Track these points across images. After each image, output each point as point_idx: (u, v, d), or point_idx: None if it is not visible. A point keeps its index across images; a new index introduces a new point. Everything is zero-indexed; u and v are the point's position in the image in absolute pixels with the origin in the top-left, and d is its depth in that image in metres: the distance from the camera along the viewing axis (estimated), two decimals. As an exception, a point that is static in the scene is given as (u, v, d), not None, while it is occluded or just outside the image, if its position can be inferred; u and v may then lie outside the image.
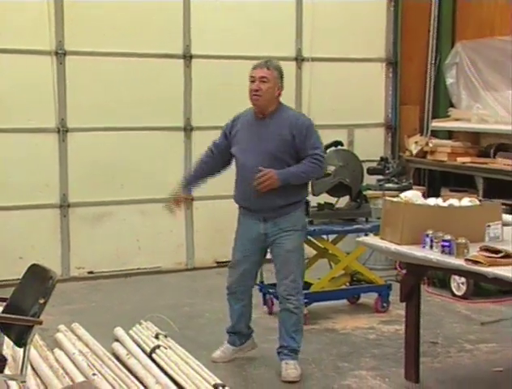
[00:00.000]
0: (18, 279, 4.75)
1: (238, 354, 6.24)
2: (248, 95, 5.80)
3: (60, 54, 8.57)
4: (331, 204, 7.59)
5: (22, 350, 4.39)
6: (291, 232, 5.79)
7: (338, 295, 7.65)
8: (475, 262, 4.97)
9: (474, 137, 9.88)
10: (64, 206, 8.78)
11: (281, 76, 5.84)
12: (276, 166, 5.62)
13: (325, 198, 7.61)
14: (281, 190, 5.64)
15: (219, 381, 5.45)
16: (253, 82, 5.74)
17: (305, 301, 7.25)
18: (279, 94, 5.84)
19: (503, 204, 6.29)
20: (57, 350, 6.17)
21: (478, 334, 6.97)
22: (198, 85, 9.26)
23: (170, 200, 6.50)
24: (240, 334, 6.24)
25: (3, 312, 4.54)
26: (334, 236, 7.60)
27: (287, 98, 9.47)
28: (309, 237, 7.58)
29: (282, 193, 5.66)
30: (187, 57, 9.21)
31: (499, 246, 5.14)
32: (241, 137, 5.90)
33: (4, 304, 4.61)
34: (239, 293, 6.15)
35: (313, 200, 7.62)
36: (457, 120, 10.09)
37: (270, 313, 7.54)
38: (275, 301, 7.49)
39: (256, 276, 6.39)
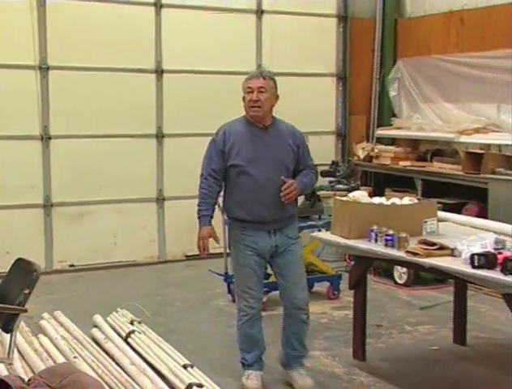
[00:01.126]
0: (5, 272, 4.72)
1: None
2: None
3: (43, 69, 8.54)
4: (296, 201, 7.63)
5: (9, 336, 4.37)
6: (297, 240, 5.28)
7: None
8: (414, 254, 5.03)
9: (413, 143, 9.95)
10: (47, 205, 8.74)
11: (276, 86, 5.18)
12: (288, 176, 5.05)
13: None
14: (282, 205, 5.06)
15: (188, 362, 5.46)
16: (250, 92, 5.07)
17: (266, 289, 7.30)
18: (276, 103, 5.23)
19: (438, 203, 6.38)
20: (41, 336, 6.14)
21: (417, 317, 7.05)
22: (169, 97, 9.25)
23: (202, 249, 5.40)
24: (260, 361, 5.42)
25: (-8, 302, 4.50)
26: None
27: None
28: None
29: (283, 207, 5.08)
30: (159, 71, 9.19)
31: (435, 240, 5.20)
32: (244, 148, 5.09)
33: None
34: (259, 312, 5.34)
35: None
36: (399, 128, 10.17)
37: (234, 300, 7.52)
38: (238, 290, 7.51)
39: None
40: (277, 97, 5.18)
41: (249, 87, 5.10)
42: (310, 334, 5.45)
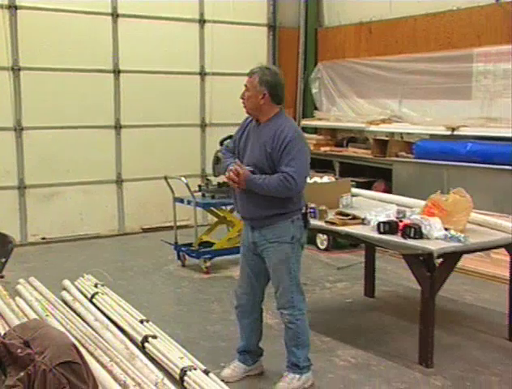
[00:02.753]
0: (-15, 244, 4.66)
1: (249, 373, 4.61)
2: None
3: (15, 70, 8.37)
4: (228, 183, 7.61)
5: (-11, 298, 4.32)
6: (276, 243, 4.23)
7: (233, 251, 7.64)
8: (333, 224, 5.11)
9: (332, 132, 10.04)
10: (21, 187, 8.60)
11: (264, 82, 4.21)
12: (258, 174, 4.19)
13: (223, 178, 7.63)
14: (264, 200, 4.18)
15: (144, 317, 5.45)
16: None
17: (209, 256, 7.32)
18: (267, 100, 4.22)
19: (352, 181, 6.44)
20: (17, 298, 6.05)
21: (335, 276, 7.16)
22: (125, 93, 9.14)
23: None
24: (251, 353, 4.63)
25: (-26, 269, 4.44)
26: (230, 206, 7.63)
27: (194, 102, 9.67)
28: (211, 207, 7.66)
29: (265, 203, 4.18)
30: (116, 71, 9.07)
31: (349, 211, 5.30)
32: (241, 141, 4.39)
33: (-26, 263, 4.50)
34: (248, 306, 4.52)
35: (215, 180, 7.67)
36: (320, 119, 10.25)
37: (183, 265, 7.54)
38: (186, 256, 7.52)
39: (263, 292, 4.54)
40: (264, 95, 4.20)
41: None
42: (304, 343, 4.39)
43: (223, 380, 4.34)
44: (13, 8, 8.27)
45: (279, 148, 4.14)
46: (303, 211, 4.34)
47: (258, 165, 4.21)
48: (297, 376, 4.36)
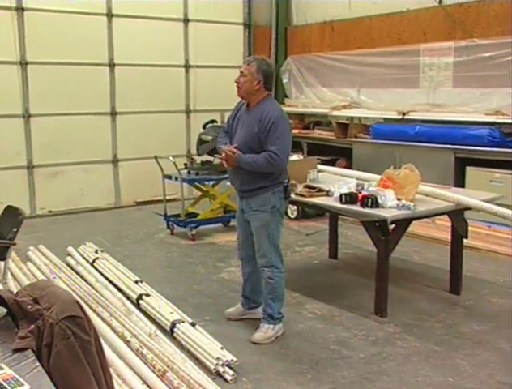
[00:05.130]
0: (-2, 216, 4.59)
1: (247, 316, 4.72)
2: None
3: (23, 64, 8.22)
4: (210, 162, 7.59)
5: (3, 263, 4.27)
6: (258, 212, 4.27)
7: (216, 220, 7.68)
8: (301, 196, 5.10)
9: (300, 117, 10.00)
10: (30, 167, 8.48)
11: (261, 70, 4.17)
12: (246, 152, 4.18)
13: (206, 157, 7.61)
14: (249, 175, 4.21)
15: (138, 278, 5.45)
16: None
17: (194, 225, 7.31)
18: (261, 86, 4.20)
19: (318, 159, 6.44)
20: (28, 263, 6.02)
21: (304, 241, 7.17)
22: (119, 84, 9.00)
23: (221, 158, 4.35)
24: (247, 299, 4.72)
25: (-12, 238, 4.38)
26: (212, 182, 7.63)
27: (180, 91, 9.59)
28: (195, 183, 7.64)
29: (250, 178, 4.22)
30: (111, 65, 8.94)
31: (315, 185, 5.30)
32: (234, 123, 4.40)
33: (-11, 233, 4.44)
34: (244, 260, 4.64)
35: (199, 159, 7.63)
36: (289, 106, 10.18)
37: (172, 234, 7.52)
38: (175, 226, 7.50)
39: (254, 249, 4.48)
40: (259, 81, 4.16)
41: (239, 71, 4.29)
42: (279, 298, 4.43)
43: (227, 317, 4.73)
44: (20, 10, 8.12)
45: (265, 129, 4.12)
46: (284, 184, 4.34)
47: (247, 144, 4.20)
48: (271, 326, 4.41)
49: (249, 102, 4.30)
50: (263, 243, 4.33)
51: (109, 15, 8.84)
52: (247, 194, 4.33)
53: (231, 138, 4.40)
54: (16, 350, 1.99)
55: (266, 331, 4.40)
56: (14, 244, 4.14)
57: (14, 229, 4.12)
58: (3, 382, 1.75)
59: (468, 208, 4.97)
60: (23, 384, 1.75)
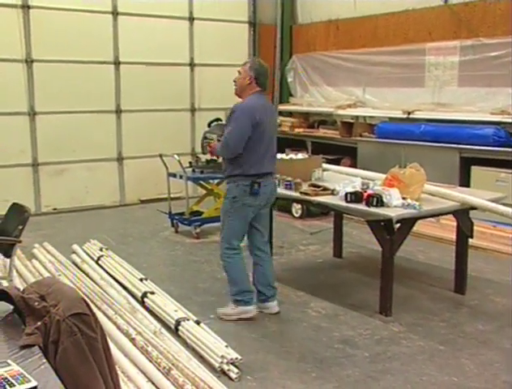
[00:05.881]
0: (3, 214, 4.59)
1: (259, 309, 4.82)
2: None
3: (29, 61, 8.25)
4: (215, 160, 7.56)
5: (9, 260, 4.29)
6: (224, 198, 4.69)
7: (220, 219, 7.64)
8: (306, 194, 5.11)
9: (305, 115, 10.01)
10: (35, 165, 8.51)
11: (253, 69, 4.54)
12: None
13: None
14: (224, 164, 4.63)
15: (143, 276, 5.46)
16: None
17: (199, 223, 7.32)
18: (252, 82, 4.53)
19: (323, 158, 6.44)
20: (33, 260, 6.04)
21: (308, 240, 7.17)
22: (125, 82, 9.03)
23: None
24: (257, 291, 4.87)
25: (-6, 235, 4.40)
26: (217, 180, 7.62)
27: (185, 89, 9.60)
28: (200, 181, 7.64)
29: (225, 166, 4.63)
30: (117, 63, 8.97)
31: (320, 183, 5.30)
32: None
33: (-5, 230, 4.46)
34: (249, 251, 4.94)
35: (203, 157, 7.63)
36: (294, 104, 10.21)
37: (177, 232, 7.53)
38: (179, 224, 7.51)
39: (256, 239, 4.85)
40: (250, 78, 4.52)
41: None
42: (232, 281, 4.71)
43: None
44: (26, 7, 8.14)
45: (227, 118, 4.60)
46: (253, 180, 4.51)
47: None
48: (233, 306, 4.71)
49: (242, 98, 4.61)
50: (223, 228, 4.69)
51: (115, 13, 8.86)
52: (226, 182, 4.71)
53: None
54: (23, 347, 2.00)
55: (226, 309, 4.74)
56: (20, 241, 4.15)
57: (20, 227, 4.13)
58: (11, 378, 1.76)
59: (473, 208, 4.96)
60: (30, 380, 1.76)
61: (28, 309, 2.17)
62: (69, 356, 2.05)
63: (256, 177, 4.52)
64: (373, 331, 4.49)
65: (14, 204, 4.49)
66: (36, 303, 2.18)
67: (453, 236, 5.45)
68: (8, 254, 4.21)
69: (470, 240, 5.28)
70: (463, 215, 5.06)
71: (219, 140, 4.51)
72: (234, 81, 4.64)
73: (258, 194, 4.55)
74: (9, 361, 1.87)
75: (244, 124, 4.43)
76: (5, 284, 4.11)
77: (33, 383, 1.75)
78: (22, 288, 2.41)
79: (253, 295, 4.76)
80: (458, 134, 7.27)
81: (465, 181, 6.96)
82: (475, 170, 7.04)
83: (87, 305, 2.21)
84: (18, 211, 4.33)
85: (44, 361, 1.94)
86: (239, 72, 4.63)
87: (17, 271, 5.45)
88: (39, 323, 2.10)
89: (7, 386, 1.72)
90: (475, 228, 5.20)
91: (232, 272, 4.71)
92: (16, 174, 8.35)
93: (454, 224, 5.30)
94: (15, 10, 8.06)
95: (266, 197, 4.64)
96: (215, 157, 4.69)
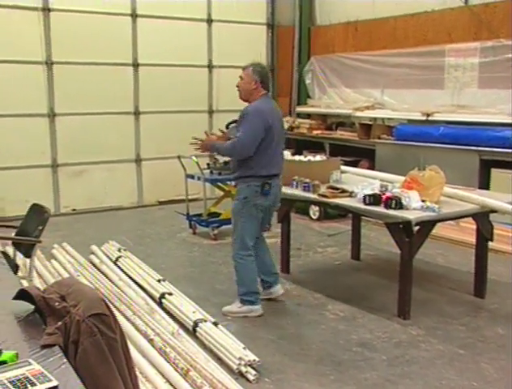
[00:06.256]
0: (24, 214, 4.63)
1: (264, 296, 5.05)
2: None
3: (49, 63, 8.34)
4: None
5: (29, 260, 4.32)
6: (235, 200, 4.79)
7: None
8: (324, 196, 5.09)
9: (323, 117, 9.97)
10: (54, 166, 8.59)
11: (256, 72, 4.64)
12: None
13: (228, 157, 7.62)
14: (235, 165, 4.71)
15: (161, 277, 5.48)
16: None
17: (216, 224, 7.32)
18: (258, 86, 4.63)
19: (341, 160, 6.42)
20: (53, 261, 6.09)
21: (326, 242, 7.16)
22: (143, 84, 9.10)
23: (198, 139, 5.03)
24: (261, 280, 5.06)
25: (16, 235, 4.44)
26: (234, 182, 7.59)
27: (203, 91, 9.63)
28: (218, 183, 7.65)
29: (235, 166, 4.72)
30: (135, 65, 9.03)
31: (338, 186, 5.29)
32: None
33: (16, 230, 4.50)
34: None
35: (221, 159, 7.62)
36: (312, 106, 10.19)
37: (194, 233, 7.55)
38: (197, 225, 7.53)
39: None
40: (255, 82, 4.63)
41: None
42: (242, 283, 4.79)
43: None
44: (46, 10, 8.24)
45: (240, 120, 4.59)
46: (263, 181, 4.61)
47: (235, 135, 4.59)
48: (240, 304, 4.80)
49: (250, 102, 4.68)
50: (234, 228, 4.77)
51: (134, 16, 8.93)
52: (235, 183, 4.81)
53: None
54: (44, 346, 2.02)
55: (232, 307, 4.83)
56: (40, 241, 4.18)
57: (40, 227, 4.16)
58: (32, 378, 1.77)
59: (494, 211, 4.92)
60: (51, 380, 1.77)
61: (49, 310, 2.19)
62: (89, 357, 2.06)
63: (267, 178, 4.64)
64: (391, 335, 4.47)
65: (34, 205, 4.52)
66: (57, 303, 2.20)
67: (472, 239, 5.40)
68: (28, 255, 4.24)
69: (490, 243, 5.23)
70: (483, 218, 5.02)
71: (224, 134, 4.50)
72: (237, 86, 4.72)
73: (268, 194, 4.67)
74: (30, 361, 1.88)
75: (257, 126, 4.53)
76: (25, 284, 4.15)
77: (54, 383, 1.77)
78: (42, 289, 2.43)
79: (259, 295, 4.89)
80: (478, 137, 7.21)
81: (484, 184, 6.90)
82: (495, 173, 6.97)
83: (107, 305, 2.22)
84: (38, 212, 4.36)
85: (65, 360, 1.95)
86: (241, 77, 4.71)
87: (36, 271, 5.50)
88: (59, 323, 2.12)
89: (29, 386, 1.74)
90: (495, 231, 5.15)
91: (243, 274, 4.79)
92: (36, 175, 8.43)
93: (474, 226, 5.25)
94: (36, 14, 8.16)
95: (274, 197, 4.77)
96: (225, 156, 4.63)
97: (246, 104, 4.73)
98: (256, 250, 4.89)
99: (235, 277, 4.85)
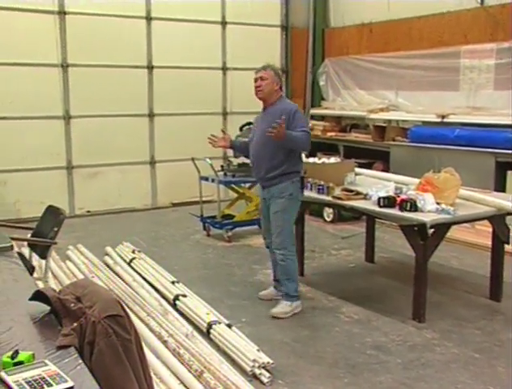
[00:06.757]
0: (39, 216, 4.67)
1: (278, 297, 5.07)
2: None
3: (64, 66, 8.41)
4: (247, 164, 7.57)
5: (44, 261, 4.35)
6: (277, 198, 4.74)
7: (251, 223, 7.62)
8: (339, 198, 5.09)
9: (337, 119, 9.95)
10: (69, 167, 8.65)
11: (277, 74, 4.84)
12: (264, 144, 4.71)
13: (243, 159, 7.61)
14: (272, 163, 4.70)
15: (175, 279, 5.49)
16: (255, 81, 4.80)
17: (230, 227, 7.34)
18: (279, 88, 4.84)
19: (355, 162, 6.40)
20: (67, 261, 6.13)
21: (340, 244, 7.14)
22: (158, 86, 9.14)
23: (215, 138, 5.10)
24: (278, 282, 5.13)
25: (31, 236, 4.48)
26: (248, 184, 7.63)
27: (217, 93, 9.65)
28: (232, 185, 7.66)
29: (273, 165, 4.70)
30: (150, 67, 9.07)
31: (353, 188, 5.28)
32: (254, 126, 5.06)
33: (31, 231, 4.54)
34: (270, 247, 5.06)
35: (235, 161, 7.65)
36: (326, 108, 10.17)
37: (208, 235, 7.56)
38: (211, 227, 7.54)
39: None
40: (278, 83, 4.81)
41: (255, 79, 4.83)
42: (293, 278, 4.87)
43: (259, 298, 5.20)
44: (62, 14, 8.31)
45: (289, 118, 4.57)
46: (301, 175, 4.83)
47: (267, 137, 4.56)
48: (289, 303, 4.86)
49: (268, 102, 4.82)
50: (279, 227, 4.78)
51: (148, 18, 8.97)
52: (269, 183, 4.78)
53: (252, 138, 4.95)
54: (60, 347, 2.03)
55: (283, 307, 4.86)
56: (56, 243, 4.22)
57: (55, 229, 4.19)
58: (48, 378, 1.78)
59: (510, 213, 4.87)
60: (66, 380, 1.78)
61: (65, 311, 2.20)
62: (104, 358, 2.07)
63: (302, 171, 4.88)
64: (406, 338, 4.44)
65: (49, 206, 4.56)
66: (73, 304, 2.21)
67: (488, 242, 5.36)
68: (44, 256, 4.28)
69: (506, 246, 5.18)
70: (499, 220, 4.97)
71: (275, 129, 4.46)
72: (258, 86, 4.79)
73: (305, 187, 4.97)
74: (46, 361, 1.89)
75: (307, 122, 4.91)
76: (41, 285, 4.18)
77: (70, 383, 1.77)
78: (57, 290, 2.45)
79: None
80: (494, 139, 7.15)
81: (500, 187, 6.84)
82: (511, 175, 6.91)
83: (122, 307, 2.23)
84: (53, 214, 4.39)
85: (80, 361, 1.96)
86: (262, 77, 4.77)
87: (52, 272, 5.54)
88: (75, 324, 2.13)
89: (45, 386, 1.75)
90: (511, 234, 5.11)
91: (294, 269, 4.90)
92: (51, 177, 8.50)
93: (490, 229, 5.21)
94: (52, 17, 8.23)
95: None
96: (297, 148, 4.70)
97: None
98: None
99: (283, 276, 4.87)
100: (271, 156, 4.71)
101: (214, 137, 5.08)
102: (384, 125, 8.77)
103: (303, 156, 5.11)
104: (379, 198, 4.75)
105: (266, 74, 4.78)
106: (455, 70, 8.07)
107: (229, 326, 4.39)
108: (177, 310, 4.79)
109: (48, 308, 2.30)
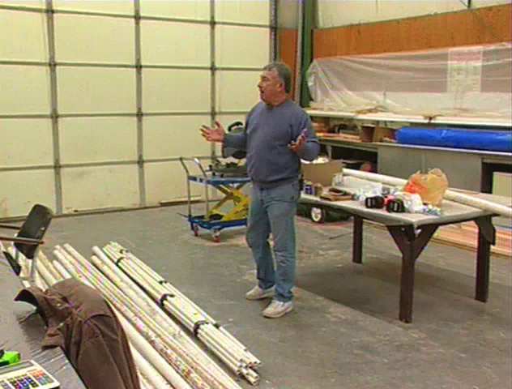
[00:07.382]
0: (26, 215, 4.64)
1: (265, 295, 5.18)
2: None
3: (52, 65, 8.34)
4: (235, 164, 7.60)
5: (31, 261, 4.33)
6: (279, 202, 4.72)
7: (239, 223, 7.61)
8: (326, 199, 5.09)
9: (325, 120, 9.98)
10: (57, 167, 8.58)
11: (282, 74, 4.64)
12: (269, 147, 4.66)
13: (231, 159, 7.62)
14: (275, 167, 4.66)
15: (162, 279, 5.48)
16: (260, 81, 4.70)
17: (218, 227, 7.33)
18: (283, 89, 4.67)
19: (343, 162, 6.42)
20: (55, 261, 6.09)
21: (328, 245, 7.15)
22: (146, 85, 9.10)
23: (208, 129, 5.07)
24: (262, 280, 5.21)
25: (18, 235, 4.44)
26: (237, 184, 7.63)
27: (205, 93, 9.64)
28: (220, 185, 7.65)
29: (275, 169, 4.67)
30: (138, 66, 9.03)
31: (340, 188, 5.29)
32: (254, 121, 4.82)
33: (18, 231, 4.50)
34: (254, 247, 5.10)
35: (223, 161, 7.64)
36: (315, 109, 10.17)
37: (196, 235, 7.55)
38: (199, 227, 7.52)
39: (266, 235, 5.06)
40: (281, 84, 4.63)
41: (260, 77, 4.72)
42: (290, 279, 4.90)
43: (247, 298, 5.21)
44: (50, 12, 8.24)
45: (300, 125, 4.57)
46: (299, 178, 4.90)
47: (277, 137, 4.63)
48: (281, 303, 4.89)
49: (272, 103, 4.71)
50: (281, 230, 4.78)
51: (137, 17, 8.93)
52: (269, 185, 4.74)
53: (251, 133, 4.84)
54: (46, 347, 2.02)
55: (276, 307, 4.87)
56: (42, 242, 4.19)
57: (42, 228, 4.16)
58: (34, 378, 1.77)
59: (496, 214, 4.91)
60: (52, 381, 1.77)
61: (51, 311, 2.19)
62: (90, 358, 2.06)
63: (300, 175, 4.95)
64: (392, 338, 4.46)
65: (36, 206, 4.53)
66: (59, 304, 2.20)
67: (474, 242, 5.40)
68: (30, 255, 4.25)
69: (492, 247, 5.22)
70: (485, 221, 5.01)
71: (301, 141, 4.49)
72: (260, 87, 4.68)
73: (302, 189, 5.11)
74: (32, 361, 1.88)
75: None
76: (27, 284, 4.15)
77: (56, 384, 1.76)
78: (44, 289, 2.43)
79: None
80: (481, 140, 7.21)
81: (487, 188, 6.90)
82: (498, 176, 6.97)
83: (109, 307, 2.22)
84: (40, 213, 4.37)
85: (67, 361, 1.95)
86: (265, 78, 4.65)
87: (38, 272, 5.50)
88: (61, 324, 2.11)
89: (30, 386, 1.74)
90: (497, 234, 5.14)
91: (292, 272, 4.91)
92: (39, 176, 8.43)
93: (476, 230, 5.24)
94: (40, 15, 8.16)
95: None
96: (308, 158, 4.80)
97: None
98: (265, 249, 5.10)
99: (280, 276, 4.89)
100: (276, 160, 4.66)
101: (206, 128, 4.99)
102: (372, 126, 8.80)
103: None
104: (367, 199, 4.77)
105: (269, 75, 4.65)
106: (443, 71, 8.12)
107: (217, 326, 4.39)
108: (165, 310, 4.77)
109: (34, 308, 2.29)
